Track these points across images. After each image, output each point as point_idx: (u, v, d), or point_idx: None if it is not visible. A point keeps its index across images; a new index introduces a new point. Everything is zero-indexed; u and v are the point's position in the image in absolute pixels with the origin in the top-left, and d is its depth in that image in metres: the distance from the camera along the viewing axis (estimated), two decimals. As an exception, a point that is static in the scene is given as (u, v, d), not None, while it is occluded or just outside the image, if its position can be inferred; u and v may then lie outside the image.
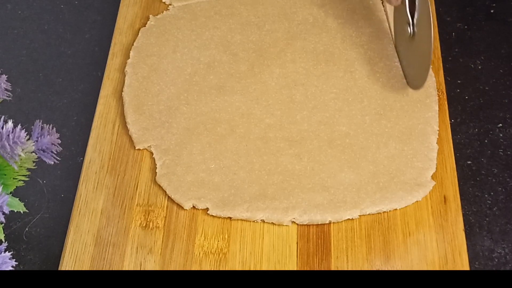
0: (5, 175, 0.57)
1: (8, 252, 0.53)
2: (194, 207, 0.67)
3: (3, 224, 0.57)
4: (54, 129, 0.57)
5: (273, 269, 0.63)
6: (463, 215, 0.66)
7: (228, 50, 0.77)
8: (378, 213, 0.66)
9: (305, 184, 0.67)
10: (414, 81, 0.73)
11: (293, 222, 0.66)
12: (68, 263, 0.64)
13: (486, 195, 0.69)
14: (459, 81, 0.77)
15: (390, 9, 0.78)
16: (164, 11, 0.81)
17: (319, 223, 0.66)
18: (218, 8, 0.80)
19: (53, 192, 0.70)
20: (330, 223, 0.66)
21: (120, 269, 0.63)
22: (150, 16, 0.80)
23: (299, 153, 0.69)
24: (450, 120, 0.72)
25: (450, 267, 0.63)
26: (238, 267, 0.63)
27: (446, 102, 0.73)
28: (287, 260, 0.64)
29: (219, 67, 0.76)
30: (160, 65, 0.76)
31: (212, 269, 0.63)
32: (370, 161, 0.68)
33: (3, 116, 0.54)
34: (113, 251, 0.65)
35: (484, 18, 0.82)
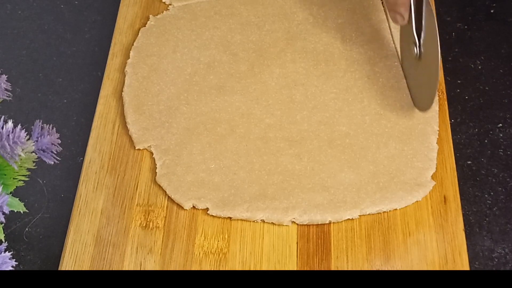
0: (5, 175, 0.57)
1: (8, 252, 0.53)
2: (194, 207, 0.67)
3: (3, 224, 0.57)
4: (54, 129, 0.57)
5: (273, 269, 0.63)
6: (463, 215, 0.66)
7: (228, 50, 0.77)
8: (378, 213, 0.66)
9: (305, 184, 0.67)
10: (420, 103, 0.71)
11: (293, 222, 0.66)
12: (68, 263, 0.64)
13: (486, 195, 0.69)
14: (459, 81, 0.77)
15: (395, 28, 0.76)
16: (164, 11, 0.81)
17: (319, 223, 0.66)
18: (218, 8, 0.80)
19: (53, 192, 0.70)
20: (330, 223, 0.66)
21: (120, 269, 0.63)
22: (150, 16, 0.80)
23: (299, 153, 0.69)
24: (450, 120, 0.72)
25: (450, 267, 0.63)
26: (238, 267, 0.63)
27: (446, 102, 0.73)
28: (287, 260, 0.64)
29: (219, 67, 0.76)
30: (160, 65, 0.76)
31: (212, 269, 0.63)
32: (370, 161, 0.68)
33: (3, 116, 0.54)
34: (113, 251, 0.65)
35: (484, 18, 0.82)
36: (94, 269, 0.63)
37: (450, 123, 0.72)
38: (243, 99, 0.73)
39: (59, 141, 0.57)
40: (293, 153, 0.69)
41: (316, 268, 0.63)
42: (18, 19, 0.83)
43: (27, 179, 0.58)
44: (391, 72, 0.75)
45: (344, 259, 0.64)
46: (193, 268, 0.63)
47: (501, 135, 0.73)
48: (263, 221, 0.66)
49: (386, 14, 0.78)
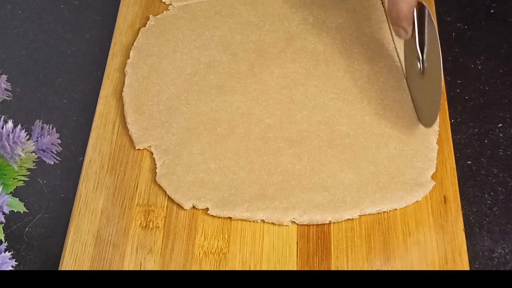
0: (5, 175, 0.57)
1: (8, 252, 0.53)
2: (194, 207, 0.67)
3: (3, 224, 0.57)
4: (54, 129, 0.57)
5: (273, 269, 0.63)
6: (463, 215, 0.66)
7: (228, 50, 0.77)
8: (378, 213, 0.66)
9: (305, 184, 0.67)
10: (423, 119, 0.70)
11: (293, 222, 0.66)
12: (68, 263, 0.64)
13: (486, 195, 0.69)
14: (459, 81, 0.77)
15: (399, 41, 0.75)
16: (164, 11, 0.81)
17: (319, 223, 0.66)
18: (218, 8, 0.80)
19: (53, 192, 0.70)
20: (330, 223, 0.66)
21: (120, 269, 0.63)
22: (150, 16, 0.80)
23: (299, 153, 0.69)
24: (450, 120, 0.72)
25: (450, 267, 0.63)
26: (238, 267, 0.63)
27: (446, 102, 0.73)
28: (287, 260, 0.64)
29: (219, 67, 0.76)
30: (160, 65, 0.76)
31: (212, 269, 0.63)
32: (370, 161, 0.68)
33: (3, 116, 0.54)
34: (113, 251, 0.65)
35: (484, 18, 0.82)
36: (94, 269, 0.63)
37: (450, 123, 0.72)
38: (243, 99, 0.73)
39: (59, 141, 0.57)
40: (293, 153, 0.69)
41: (316, 268, 0.63)
42: (18, 19, 0.83)
43: (27, 179, 0.58)
44: (391, 72, 0.75)
45: (344, 259, 0.64)
46: (193, 268, 0.63)
47: (501, 135, 0.73)
48: (263, 221, 0.66)
49: (389, 28, 0.77)
